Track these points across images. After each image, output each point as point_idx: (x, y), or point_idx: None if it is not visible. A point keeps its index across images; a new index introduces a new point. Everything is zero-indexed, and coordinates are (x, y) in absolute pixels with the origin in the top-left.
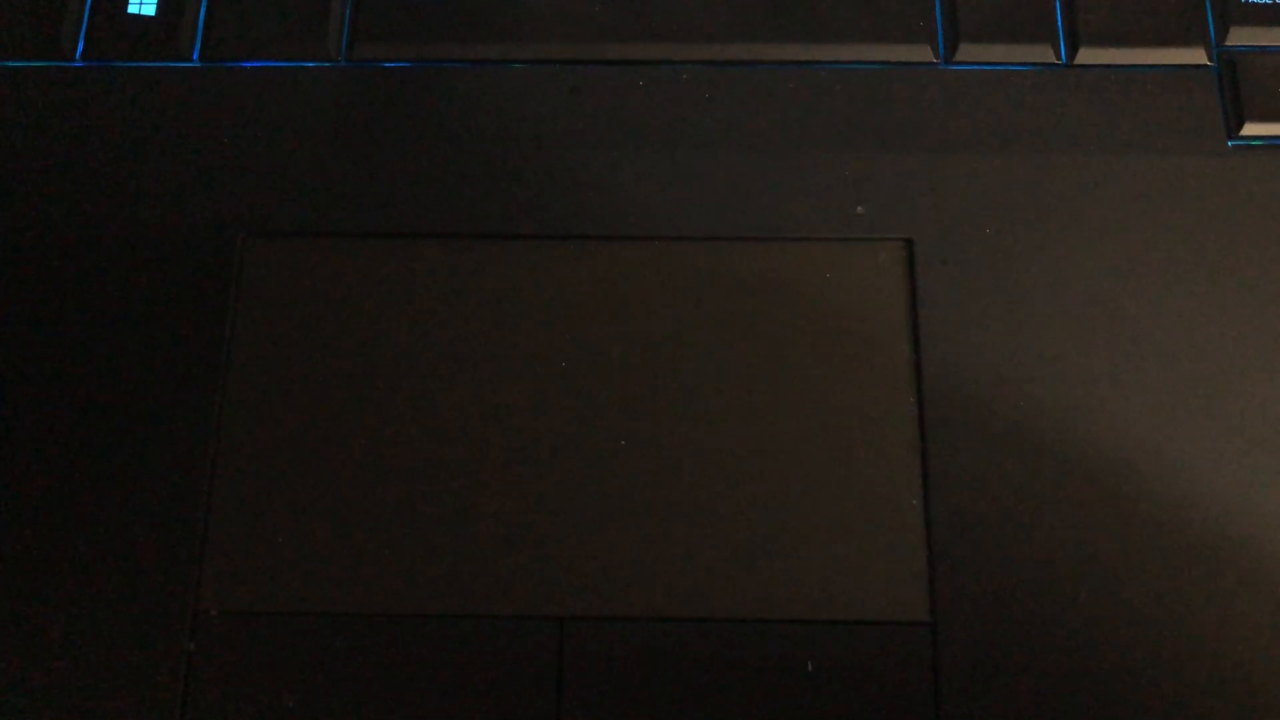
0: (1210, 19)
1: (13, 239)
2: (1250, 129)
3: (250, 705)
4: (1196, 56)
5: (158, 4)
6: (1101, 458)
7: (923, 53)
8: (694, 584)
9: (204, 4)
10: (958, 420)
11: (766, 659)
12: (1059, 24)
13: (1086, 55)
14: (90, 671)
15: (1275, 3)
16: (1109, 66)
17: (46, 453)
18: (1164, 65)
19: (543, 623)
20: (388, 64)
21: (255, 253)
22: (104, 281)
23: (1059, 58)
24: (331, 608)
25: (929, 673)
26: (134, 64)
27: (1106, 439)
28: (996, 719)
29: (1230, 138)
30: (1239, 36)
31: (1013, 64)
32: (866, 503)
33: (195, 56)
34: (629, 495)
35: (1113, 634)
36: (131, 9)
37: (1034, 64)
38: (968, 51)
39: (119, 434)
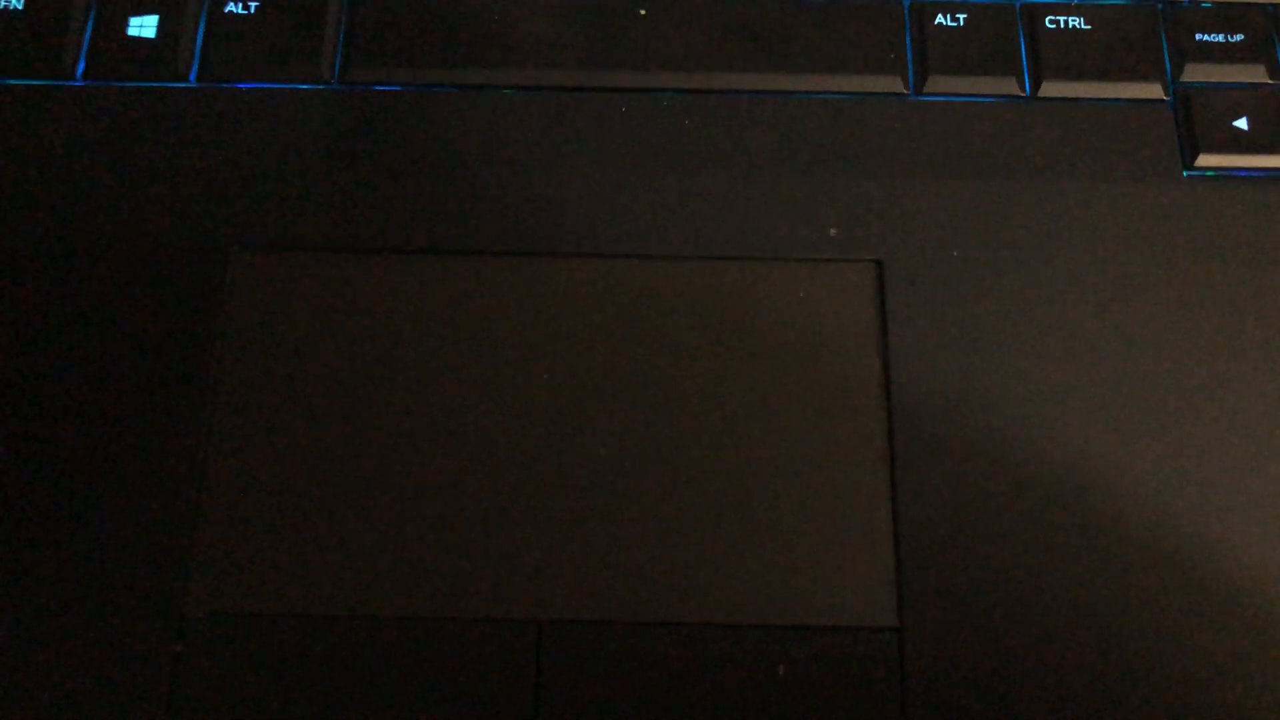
0: (1166, 56)
1: (14, 249)
2: (1205, 160)
3: (235, 707)
4: (1153, 91)
5: (157, 26)
6: (1063, 469)
7: (893, 84)
8: (669, 590)
9: (202, 27)
10: (926, 432)
11: (739, 663)
12: (1023, 58)
13: (1049, 88)
14: (76, 673)
15: (1228, 41)
16: (1071, 99)
17: (37, 457)
18: (1123, 99)
19: (521, 626)
20: (379, 87)
21: (246, 265)
22: (101, 290)
23: (1023, 90)
24: (315, 610)
25: (896, 677)
26: (133, 84)
27: (1068, 451)
28: None
29: (1186, 168)
30: (1194, 73)
31: (979, 95)
32: (837, 512)
33: (193, 77)
34: (606, 503)
35: (1076, 639)
36: (132, 31)
37: (999, 96)
38: (937, 83)
39: (110, 438)
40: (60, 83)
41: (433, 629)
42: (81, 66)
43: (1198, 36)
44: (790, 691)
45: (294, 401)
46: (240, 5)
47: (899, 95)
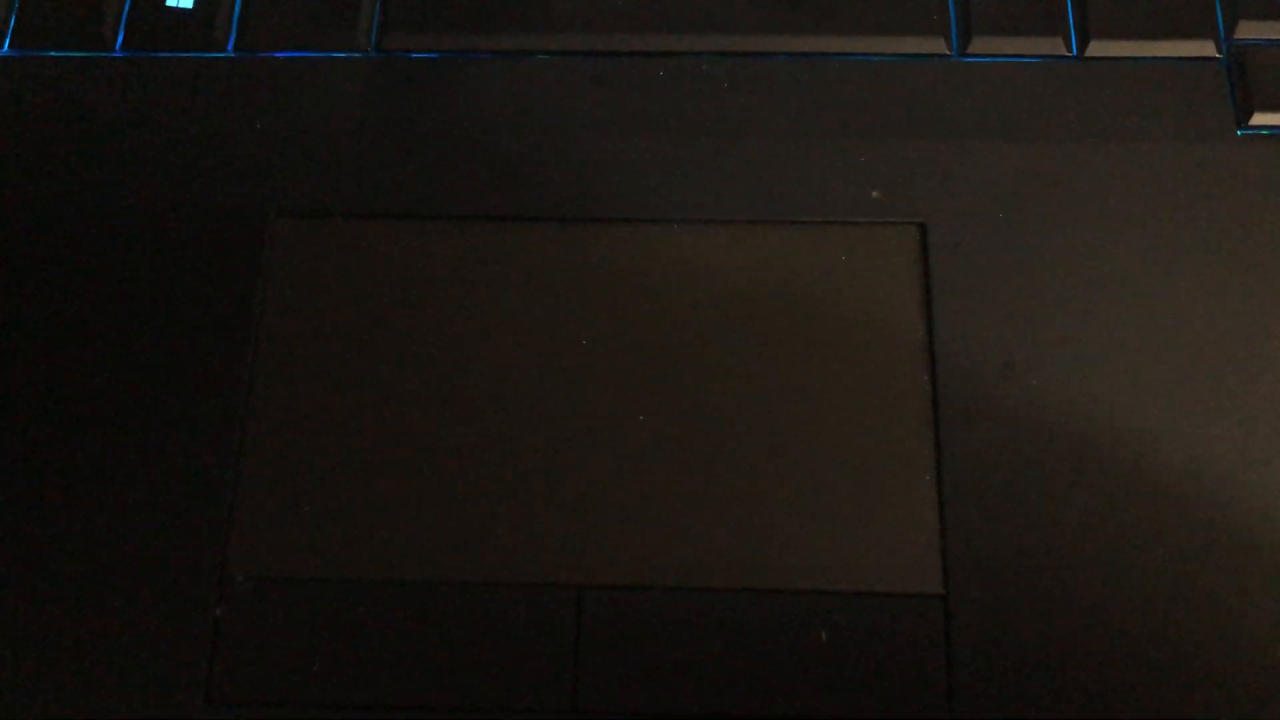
0: (1219, 12)
1: (57, 217)
2: (1260, 119)
3: (276, 670)
4: (1205, 49)
5: None
6: (1109, 435)
7: (937, 45)
8: (710, 554)
9: None
10: (970, 398)
11: (781, 629)
12: (1070, 17)
13: (1097, 48)
14: (118, 636)
15: None
16: (1119, 59)
17: (79, 420)
18: (1173, 58)
19: (561, 591)
20: (416, 54)
21: (285, 232)
22: (142, 257)
23: (1070, 50)
24: (355, 575)
25: (941, 643)
26: (172, 54)
27: (1114, 417)
28: (1007, 688)
29: (1240, 127)
30: (1247, 30)
31: (1024, 56)
32: (881, 477)
33: (230, 47)
34: (647, 468)
35: (1121, 606)
36: (170, 2)
37: (1045, 56)
38: (981, 44)
39: (151, 402)
40: (100, 54)
41: (473, 594)
42: (121, 38)
43: None
44: (833, 658)
45: (334, 367)
46: None
47: (942, 56)
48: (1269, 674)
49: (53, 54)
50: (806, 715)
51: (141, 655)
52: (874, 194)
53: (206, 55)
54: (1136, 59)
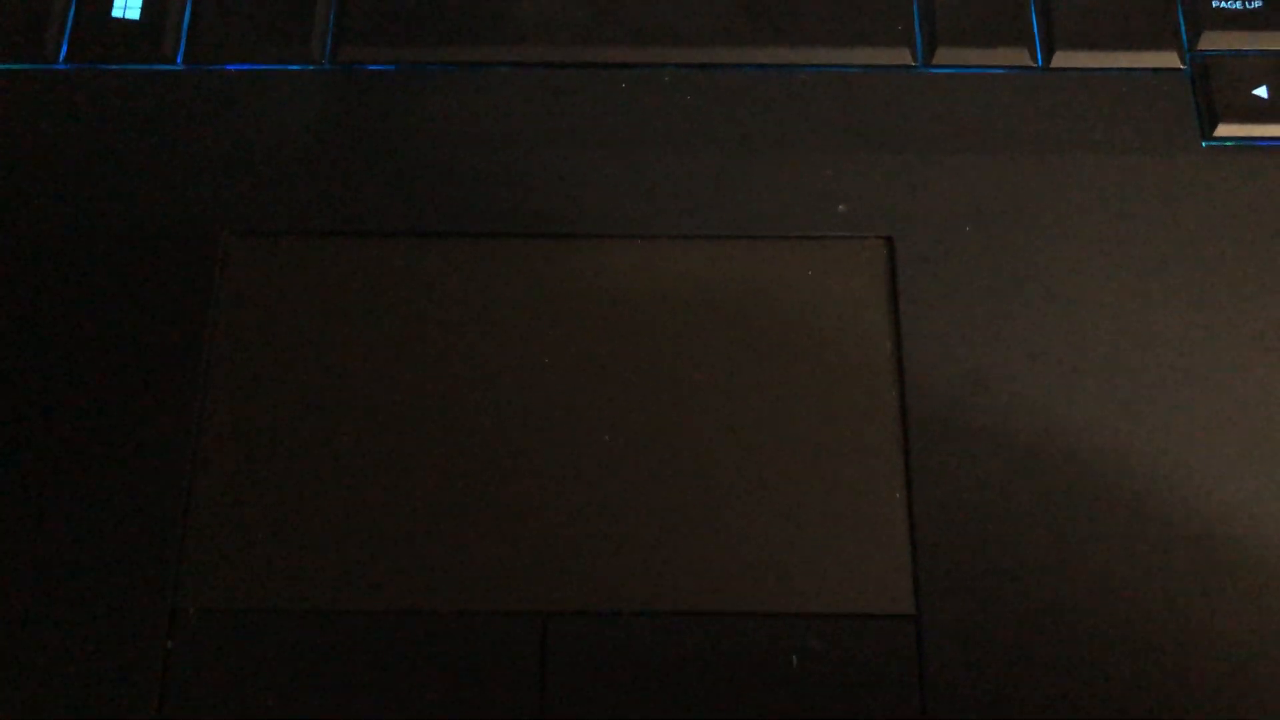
0: (1182, 23)
1: None
2: (1224, 130)
3: (228, 703)
4: (1169, 60)
5: (142, 7)
6: (1080, 450)
7: (901, 56)
8: (677, 578)
9: (188, 7)
10: (940, 415)
11: (751, 652)
12: (1035, 28)
13: (1062, 59)
14: (67, 669)
15: (1246, 8)
16: (1084, 70)
17: (25, 449)
18: (1137, 69)
19: (526, 618)
20: (371, 66)
21: (238, 250)
22: (88, 278)
23: (1035, 61)
24: (311, 605)
25: (914, 664)
26: (118, 66)
27: (1085, 432)
28: (981, 709)
29: (1204, 138)
30: (1210, 41)
31: (989, 67)
32: (850, 497)
33: (179, 59)
34: (612, 491)
35: (1095, 625)
36: (116, 12)
37: (1010, 67)
38: (945, 55)
39: (98, 429)
40: (41, 66)
41: (433, 623)
42: (64, 49)
43: (1215, 3)
44: (804, 681)
45: (288, 390)
46: None
47: (907, 68)
48: (1244, 693)
49: None
50: None
51: (91, 688)
52: (840, 208)
53: (154, 67)
54: (1101, 70)
